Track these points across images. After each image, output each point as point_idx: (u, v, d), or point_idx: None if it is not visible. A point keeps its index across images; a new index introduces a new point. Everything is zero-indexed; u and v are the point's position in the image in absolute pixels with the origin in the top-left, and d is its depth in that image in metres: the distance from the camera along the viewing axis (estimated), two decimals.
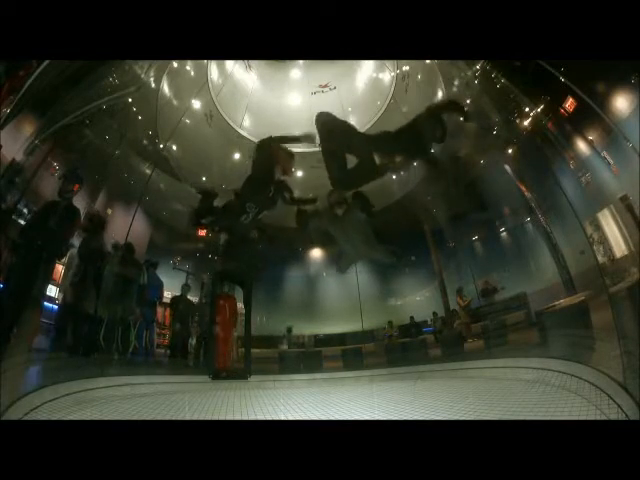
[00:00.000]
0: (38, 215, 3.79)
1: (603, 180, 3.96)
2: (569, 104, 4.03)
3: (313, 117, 4.19)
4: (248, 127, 8.29)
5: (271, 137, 3.79)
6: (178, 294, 6.84)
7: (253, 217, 3.92)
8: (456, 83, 6.59)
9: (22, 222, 3.66)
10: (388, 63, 7.69)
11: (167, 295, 6.84)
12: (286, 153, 3.81)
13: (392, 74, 7.66)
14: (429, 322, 7.96)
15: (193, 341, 6.72)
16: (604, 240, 4.05)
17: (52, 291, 4.32)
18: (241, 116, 8.41)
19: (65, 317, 4.38)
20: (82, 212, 5.01)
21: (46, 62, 2.77)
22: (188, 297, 6.94)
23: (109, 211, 5.68)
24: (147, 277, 6.22)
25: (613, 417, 1.84)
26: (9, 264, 3.39)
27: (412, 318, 8.27)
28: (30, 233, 3.58)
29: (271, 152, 3.76)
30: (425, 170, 4.27)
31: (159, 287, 6.43)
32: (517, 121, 5.35)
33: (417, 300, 8.85)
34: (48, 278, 4.13)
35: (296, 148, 5.43)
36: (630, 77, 3.19)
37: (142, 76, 5.74)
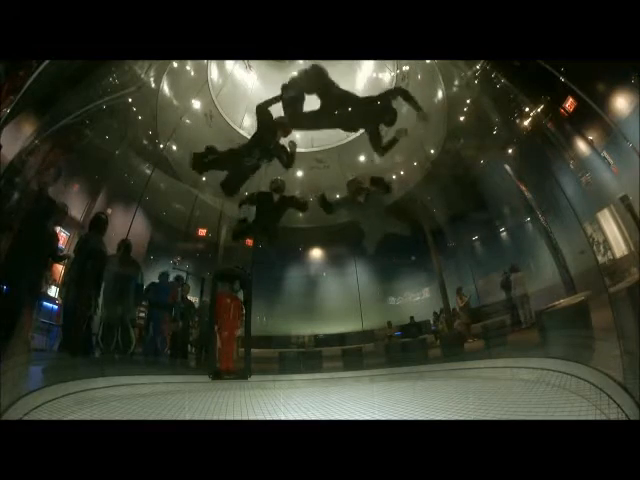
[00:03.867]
0: (17, 208, 3.69)
1: (603, 180, 3.95)
2: (569, 104, 4.02)
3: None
4: (248, 127, 8.25)
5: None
6: None
7: (256, 162, 4.76)
8: (456, 83, 6.58)
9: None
10: (388, 63, 7.67)
11: None
12: (281, 119, 4.71)
13: (392, 74, 7.65)
14: (432, 322, 7.94)
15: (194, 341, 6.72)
16: (604, 240, 4.04)
17: (52, 291, 4.33)
18: (241, 116, 8.39)
19: (65, 317, 4.38)
20: (83, 211, 5.02)
21: (46, 62, 2.77)
22: (188, 297, 6.93)
23: (109, 211, 5.67)
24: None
25: (613, 417, 1.84)
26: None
27: (412, 318, 8.26)
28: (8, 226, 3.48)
29: (271, 117, 4.68)
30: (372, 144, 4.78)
31: (170, 289, 6.49)
32: (517, 121, 5.35)
33: (417, 300, 8.84)
34: (39, 275, 4.08)
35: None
36: (630, 77, 3.19)
37: (142, 76, 5.73)
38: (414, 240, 8.06)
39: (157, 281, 6.37)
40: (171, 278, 6.72)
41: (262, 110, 4.65)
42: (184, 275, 7.23)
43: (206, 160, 4.74)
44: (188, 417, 3.01)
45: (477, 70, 5.61)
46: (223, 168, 4.88)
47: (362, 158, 8.27)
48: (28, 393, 2.66)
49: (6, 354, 2.93)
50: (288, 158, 4.95)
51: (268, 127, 4.66)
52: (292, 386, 5.51)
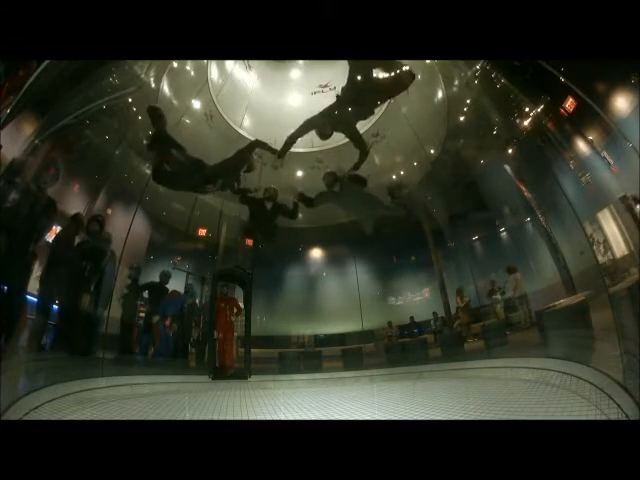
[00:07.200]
0: (13, 207, 3.67)
1: (603, 180, 3.95)
2: (569, 104, 4.02)
3: None
4: (248, 127, 8.27)
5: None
6: None
7: (212, 189, 5.31)
8: (456, 83, 6.58)
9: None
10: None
11: None
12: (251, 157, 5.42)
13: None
14: (432, 323, 7.93)
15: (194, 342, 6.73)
16: (604, 240, 4.04)
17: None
18: (241, 116, 8.39)
19: (65, 317, 4.37)
20: (83, 211, 5.01)
21: (46, 62, 2.77)
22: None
23: (109, 211, 5.67)
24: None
25: (613, 417, 1.84)
26: None
27: (412, 318, 8.26)
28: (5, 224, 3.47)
29: (249, 152, 5.31)
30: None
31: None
32: (517, 121, 5.35)
33: (417, 300, 8.83)
34: (38, 275, 4.06)
35: (296, 149, 5.62)
36: (630, 77, 3.19)
37: (142, 76, 5.73)
38: (414, 240, 8.06)
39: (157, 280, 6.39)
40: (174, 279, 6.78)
41: (241, 152, 5.32)
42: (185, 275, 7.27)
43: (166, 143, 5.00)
44: (188, 417, 3.01)
45: (477, 70, 5.61)
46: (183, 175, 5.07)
47: None
48: (28, 393, 2.66)
49: (6, 354, 2.93)
50: (239, 188, 5.56)
51: (241, 160, 5.26)
52: (292, 386, 5.51)
